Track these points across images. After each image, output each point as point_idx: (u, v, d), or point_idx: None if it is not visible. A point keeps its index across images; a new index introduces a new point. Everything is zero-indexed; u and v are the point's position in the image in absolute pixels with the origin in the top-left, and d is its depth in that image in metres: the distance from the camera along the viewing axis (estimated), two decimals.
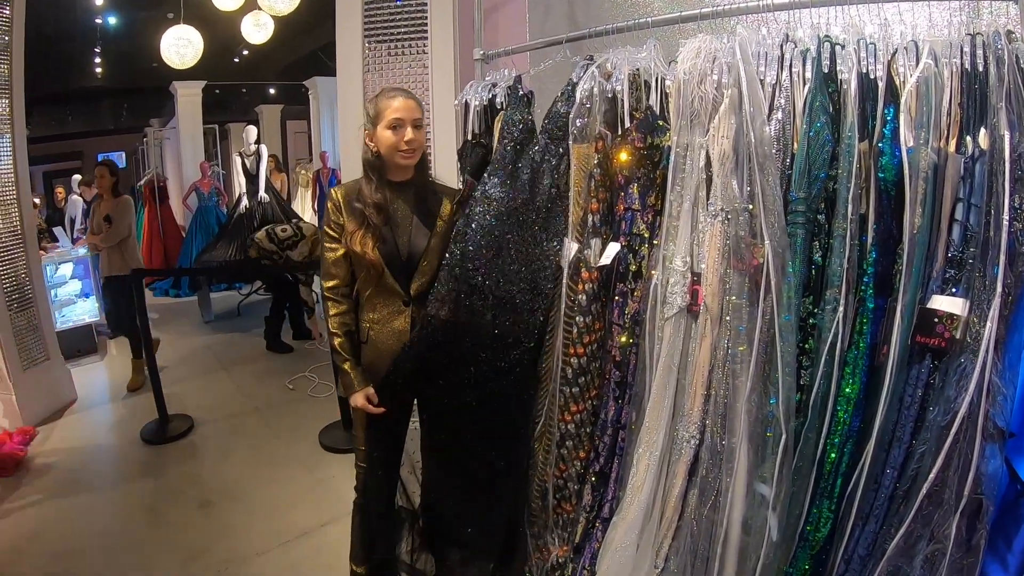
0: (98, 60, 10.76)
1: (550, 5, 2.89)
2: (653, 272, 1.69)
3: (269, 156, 7.28)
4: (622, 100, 1.73)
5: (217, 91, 10.99)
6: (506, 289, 1.88)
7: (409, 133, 1.89)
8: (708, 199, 1.62)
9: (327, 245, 1.95)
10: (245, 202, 6.69)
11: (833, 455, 1.61)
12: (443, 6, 2.96)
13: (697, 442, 1.73)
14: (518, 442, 1.99)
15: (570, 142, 1.85)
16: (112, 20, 8.94)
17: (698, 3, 2.41)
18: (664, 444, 1.77)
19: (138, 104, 13.33)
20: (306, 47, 10.03)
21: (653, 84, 1.76)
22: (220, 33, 6.57)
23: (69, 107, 13.90)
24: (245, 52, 9.93)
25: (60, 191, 9.53)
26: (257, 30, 5.93)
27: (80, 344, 5.49)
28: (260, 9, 5.57)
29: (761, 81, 1.57)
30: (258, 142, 6.97)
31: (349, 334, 1.98)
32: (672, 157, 1.64)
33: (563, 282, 1.87)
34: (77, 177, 9.00)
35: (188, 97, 9.90)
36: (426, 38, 3.00)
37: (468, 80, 3.08)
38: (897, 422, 1.55)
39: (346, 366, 1.95)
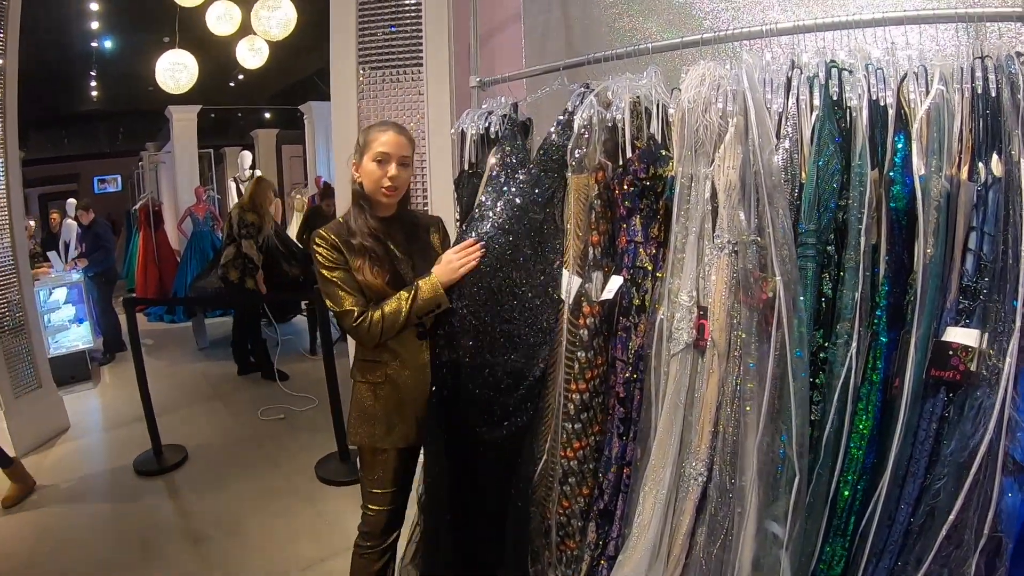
0: (94, 83, 10.78)
1: (547, 31, 2.87)
2: (659, 307, 1.64)
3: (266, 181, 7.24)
4: (623, 129, 1.69)
5: (213, 115, 11.01)
6: (504, 329, 1.84)
7: (392, 169, 1.86)
8: (714, 231, 1.57)
9: (330, 275, 1.84)
10: None
11: (847, 492, 1.55)
12: (438, 32, 2.92)
13: (705, 479, 1.68)
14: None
15: (568, 173, 1.80)
16: (108, 44, 8.95)
17: (696, 29, 2.38)
18: (671, 481, 1.71)
19: (134, 127, 13.36)
20: (301, 72, 10.07)
21: (655, 112, 1.72)
22: (215, 57, 6.56)
23: (65, 130, 13.89)
24: (240, 76, 9.95)
25: (55, 215, 9.46)
26: (252, 55, 5.92)
27: (73, 371, 5.43)
28: (255, 34, 5.56)
29: (767, 109, 1.53)
30: (253, 167, 6.95)
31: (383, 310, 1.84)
32: (677, 188, 1.59)
33: (564, 317, 1.81)
34: (72, 201, 8.94)
35: (183, 121, 9.91)
36: (421, 65, 2.96)
37: (464, 108, 3.03)
38: (911, 457, 1.50)
39: (410, 299, 1.84)
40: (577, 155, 1.73)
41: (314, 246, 1.86)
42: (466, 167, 2.31)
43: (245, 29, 5.56)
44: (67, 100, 11.50)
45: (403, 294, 1.84)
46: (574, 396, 1.79)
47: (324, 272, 1.85)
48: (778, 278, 1.43)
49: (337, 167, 3.12)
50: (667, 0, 2.42)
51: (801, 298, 1.46)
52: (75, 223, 8.32)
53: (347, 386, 3.28)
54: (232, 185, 8.10)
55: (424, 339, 1.93)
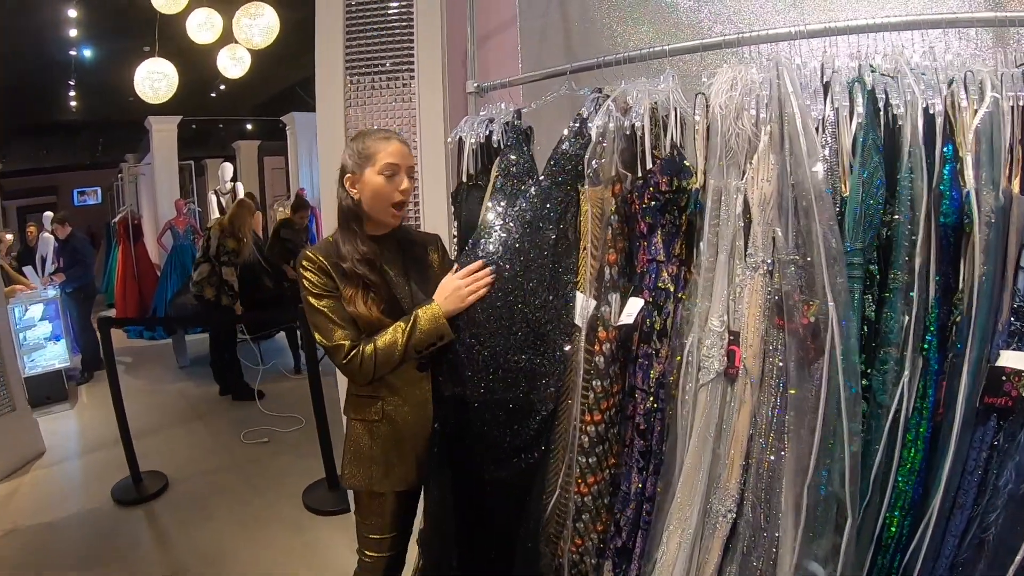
0: (73, 94, 10.52)
1: (545, 35, 2.74)
2: (684, 332, 1.51)
3: (246, 194, 7.05)
4: (641, 137, 1.55)
5: (193, 126, 10.78)
6: (514, 359, 1.68)
7: (405, 182, 1.68)
8: (746, 250, 1.44)
9: (318, 304, 1.64)
10: None
11: (893, 529, 1.44)
12: (431, 37, 2.78)
13: (734, 516, 1.55)
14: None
15: (582, 186, 1.67)
16: (87, 53, 8.71)
17: (706, 33, 2.27)
18: (698, 520, 1.57)
19: (114, 139, 13.09)
20: (283, 82, 9.87)
21: (673, 119, 1.60)
22: (196, 67, 6.38)
23: (44, 141, 13.59)
24: (222, 87, 9.74)
25: (31, 229, 9.19)
26: (234, 64, 5.77)
27: (49, 391, 5.22)
28: (237, 43, 5.41)
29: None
30: (234, 179, 6.78)
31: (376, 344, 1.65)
32: (707, 202, 1.46)
33: (579, 343, 1.67)
34: (49, 214, 8.71)
35: (163, 132, 9.69)
36: (413, 70, 2.81)
37: (458, 115, 2.89)
38: (959, 488, 1.39)
39: (407, 331, 1.65)
40: (594, 165, 1.59)
41: (301, 270, 1.66)
42: (464, 179, 2.17)
43: (227, 38, 5.41)
44: (46, 110, 11.21)
45: (400, 325, 1.66)
46: (589, 428, 1.65)
47: (311, 300, 1.64)
48: (830, 303, 1.30)
49: (323, 180, 2.95)
50: (672, 4, 2.31)
51: (850, 323, 1.32)
52: (52, 237, 8.12)
53: (334, 406, 3.16)
54: (213, 198, 7.91)
55: (425, 371, 1.77)
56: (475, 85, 2.39)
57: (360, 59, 2.85)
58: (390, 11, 2.78)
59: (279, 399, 5.07)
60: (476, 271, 1.70)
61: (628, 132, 1.60)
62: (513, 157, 1.81)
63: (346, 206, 1.70)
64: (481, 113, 2.20)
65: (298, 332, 5.31)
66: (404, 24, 2.80)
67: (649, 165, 1.53)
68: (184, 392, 5.53)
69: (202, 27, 5.17)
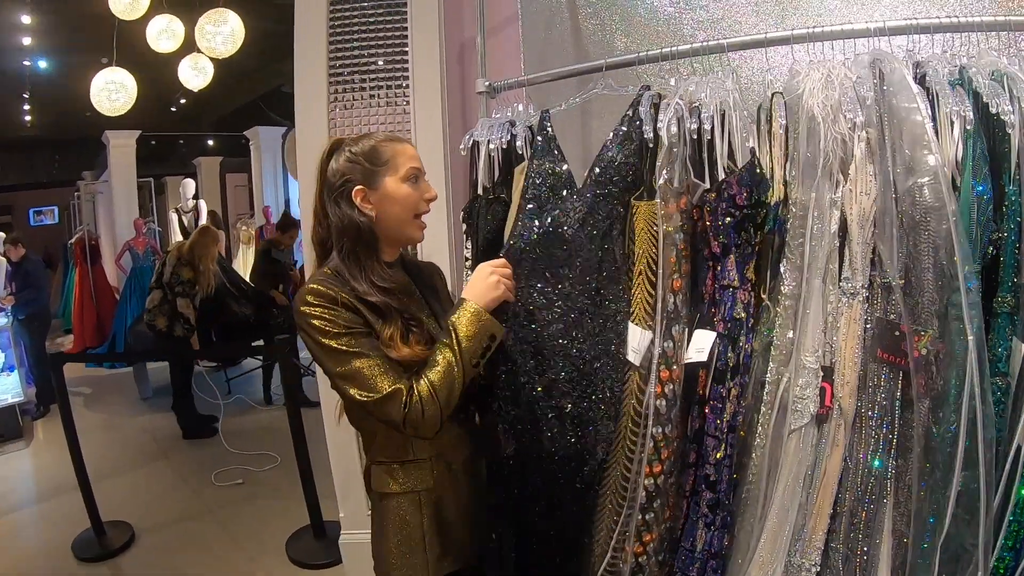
0: (27, 107, 10.00)
1: (550, 28, 2.47)
2: (765, 371, 1.29)
3: (208, 212, 6.73)
4: (710, 142, 1.34)
5: (153, 142, 10.32)
6: (558, 404, 1.45)
7: (431, 187, 1.43)
8: (841, 273, 1.23)
9: (347, 346, 1.26)
10: None
11: (1002, 569, 1.26)
12: (427, 28, 2.52)
13: (818, 571, 1.37)
14: None
15: (637, 198, 1.43)
16: (42, 64, 8.24)
17: (729, 31, 2.09)
18: None
19: (71, 155, 12.54)
20: (247, 95, 9.53)
21: (735, 122, 1.39)
22: (156, 78, 6.04)
23: None
24: (183, 100, 9.34)
25: None
26: (195, 74, 5.43)
27: (2, 428, 4.86)
28: (199, 52, 5.08)
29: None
30: (196, 197, 6.43)
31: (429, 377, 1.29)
32: (788, 218, 1.26)
33: (632, 383, 1.43)
34: (1, 235, 8.21)
35: (121, 147, 9.22)
36: (407, 74, 2.56)
37: (457, 120, 2.66)
38: None
39: (453, 344, 1.30)
40: (666, 175, 1.34)
41: (309, 308, 1.28)
42: (480, 191, 1.92)
43: (189, 46, 5.07)
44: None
45: (440, 347, 1.31)
46: (647, 481, 1.42)
47: (331, 343, 1.26)
48: (971, 337, 1.09)
49: (302, 203, 2.66)
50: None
51: (983, 357, 1.13)
52: (3, 260, 7.65)
53: (316, 441, 2.86)
54: (174, 216, 7.52)
55: (466, 424, 1.50)
56: (487, 84, 2.07)
57: (346, 55, 2.58)
58: (380, 5, 2.53)
59: (247, 435, 4.69)
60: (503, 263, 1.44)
61: (694, 136, 1.38)
62: (547, 165, 1.55)
63: (356, 227, 1.36)
64: (495, 115, 1.96)
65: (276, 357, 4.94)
66: (396, 15, 2.55)
67: (721, 175, 1.31)
68: (147, 427, 5.14)
69: (163, 35, 4.82)
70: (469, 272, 1.92)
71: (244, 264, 8.52)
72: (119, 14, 4.55)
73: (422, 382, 1.27)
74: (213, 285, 4.95)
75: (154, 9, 4.79)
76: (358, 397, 1.25)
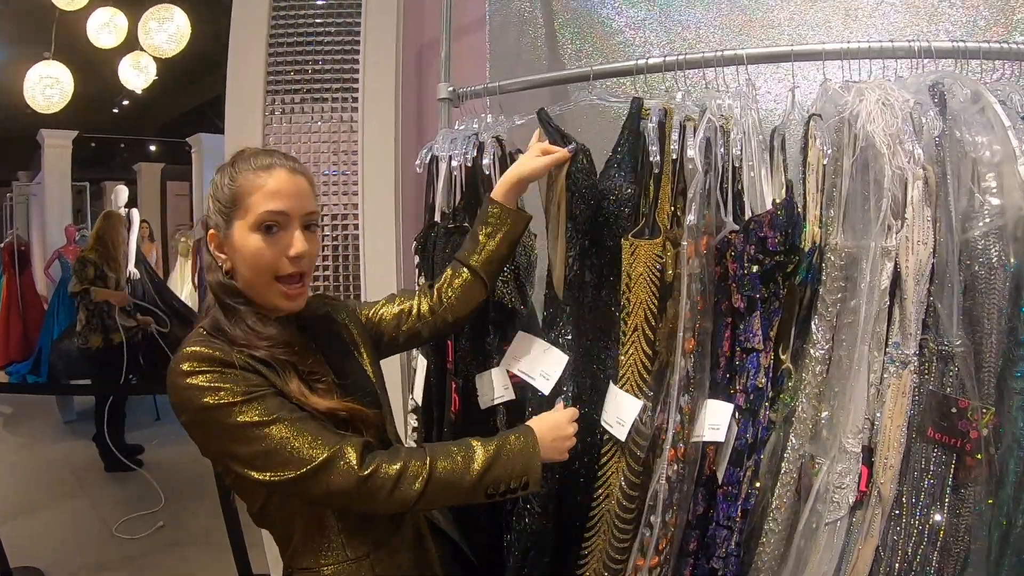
0: None
1: (522, 33, 2.22)
2: (805, 451, 1.05)
3: (141, 222, 6.29)
4: (737, 169, 1.09)
5: (92, 144, 9.78)
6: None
7: (298, 242, 1.06)
8: (888, 337, 1.00)
9: (258, 414, 0.96)
10: None
11: None
12: (383, 35, 2.24)
13: None
14: None
15: (638, 237, 1.17)
16: None
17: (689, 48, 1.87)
18: None
19: (6, 154, 11.82)
20: (192, 100, 9.10)
21: (755, 147, 1.16)
22: (97, 76, 5.67)
23: None
24: (124, 102, 8.88)
25: None
26: (137, 73, 5.11)
27: None
28: (142, 50, 4.79)
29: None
30: (129, 205, 6.01)
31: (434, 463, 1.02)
32: (825, 268, 1.02)
33: (616, 461, 1.18)
34: None
35: (56, 148, 8.63)
36: (357, 76, 2.25)
37: (411, 135, 2.36)
38: None
39: (488, 454, 1.04)
40: (696, 211, 1.06)
41: (192, 379, 0.96)
42: (437, 218, 1.62)
43: (131, 45, 4.80)
44: None
45: (467, 444, 1.05)
46: None
47: (236, 418, 0.95)
48: None
49: None
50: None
51: None
52: None
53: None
54: None
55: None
56: (450, 89, 1.78)
57: (288, 51, 2.27)
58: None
59: (175, 468, 4.17)
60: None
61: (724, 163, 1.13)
62: (587, 181, 1.23)
63: (219, 282, 1.07)
64: (458, 127, 1.67)
65: None
66: (349, 7, 2.26)
67: (748, 212, 1.08)
68: (68, 456, 4.66)
69: (104, 28, 4.57)
70: None
71: (181, 277, 8.05)
72: (59, 4, 4.35)
73: (418, 459, 1.00)
74: (143, 286, 4.59)
75: (97, 1, 4.56)
76: (285, 476, 0.95)
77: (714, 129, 1.10)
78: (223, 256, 1.07)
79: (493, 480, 1.03)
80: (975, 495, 1.00)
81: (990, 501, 1.02)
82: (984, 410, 0.97)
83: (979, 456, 0.97)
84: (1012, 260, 0.99)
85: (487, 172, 1.51)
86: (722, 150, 1.11)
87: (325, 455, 0.96)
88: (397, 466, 0.98)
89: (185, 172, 10.29)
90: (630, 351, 1.16)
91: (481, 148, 1.53)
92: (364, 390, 1.15)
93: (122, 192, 6.03)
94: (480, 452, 1.03)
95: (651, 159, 1.13)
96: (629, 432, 1.15)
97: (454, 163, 1.56)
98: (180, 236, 8.51)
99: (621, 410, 1.16)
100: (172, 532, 3.47)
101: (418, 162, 1.69)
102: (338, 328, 1.23)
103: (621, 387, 1.17)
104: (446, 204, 1.62)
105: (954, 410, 0.98)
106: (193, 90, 8.36)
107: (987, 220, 0.98)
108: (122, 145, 10.93)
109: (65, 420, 5.39)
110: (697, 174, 1.05)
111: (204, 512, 3.54)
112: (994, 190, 0.99)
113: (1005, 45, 1.10)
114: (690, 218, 1.06)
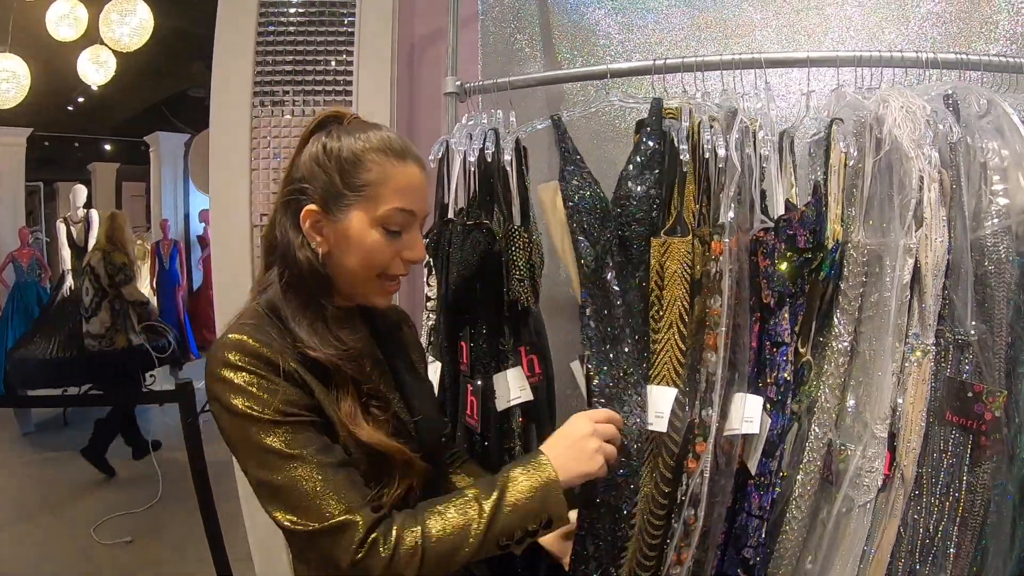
0: None
1: (518, 29, 2.20)
2: (829, 439, 1.12)
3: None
4: (765, 169, 1.15)
5: (46, 143, 9.44)
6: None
7: (419, 247, 0.98)
8: (908, 329, 1.07)
9: (282, 444, 0.85)
10: (70, 281, 5.43)
11: None
12: (380, 26, 2.20)
13: None
14: None
15: (669, 235, 1.22)
16: None
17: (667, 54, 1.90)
18: None
19: None
20: (150, 97, 8.88)
21: (777, 146, 1.21)
22: (54, 72, 5.49)
23: None
24: (80, 99, 8.60)
25: None
26: (96, 68, 4.96)
27: None
28: (103, 44, 4.64)
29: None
30: (87, 206, 5.82)
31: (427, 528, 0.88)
32: (846, 264, 1.09)
33: (654, 457, 1.22)
34: None
35: (9, 147, 8.34)
36: (351, 69, 2.23)
37: (403, 133, 2.32)
38: None
39: (492, 511, 0.89)
40: (734, 209, 1.11)
41: (231, 373, 0.87)
42: (451, 213, 1.56)
43: (91, 39, 4.66)
44: None
45: (468, 498, 0.90)
46: (674, 571, 1.21)
47: (261, 438, 0.86)
48: None
49: (214, 226, 2.28)
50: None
51: None
52: None
53: (222, 484, 2.33)
54: (62, 227, 6.81)
55: None
56: (458, 84, 1.73)
57: (278, 43, 2.22)
58: None
59: (147, 476, 4.01)
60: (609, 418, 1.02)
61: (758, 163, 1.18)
62: (575, 183, 1.28)
63: (295, 258, 0.95)
64: (467, 121, 1.61)
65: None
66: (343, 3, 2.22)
67: (780, 210, 1.13)
68: (28, 469, 4.47)
69: (64, 20, 4.40)
70: (431, 315, 1.60)
71: (137, 281, 7.86)
72: None
73: (412, 529, 0.86)
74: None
75: None
76: (286, 523, 0.85)
77: (744, 128, 1.15)
78: (319, 239, 0.95)
79: (502, 530, 0.89)
80: (990, 472, 1.08)
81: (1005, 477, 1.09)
82: (998, 393, 1.05)
83: (996, 436, 1.05)
84: (1016, 258, 1.08)
85: (506, 169, 1.48)
86: (749, 150, 1.16)
87: (334, 520, 0.84)
88: (387, 541, 0.85)
89: (142, 172, 10.03)
90: (664, 347, 1.21)
91: (499, 144, 1.50)
92: (432, 424, 1.07)
93: (80, 192, 5.84)
94: (479, 506, 0.89)
95: (682, 157, 1.17)
96: (668, 422, 1.19)
97: (471, 159, 1.51)
98: (136, 239, 8.27)
99: (658, 403, 1.20)
100: (140, 547, 3.34)
101: (431, 156, 1.60)
102: (404, 332, 1.18)
103: (656, 383, 1.22)
104: (461, 198, 1.58)
105: (970, 394, 1.07)
106: (152, 87, 8.17)
107: (995, 220, 1.08)
108: (77, 144, 10.55)
109: (23, 433, 5.20)
110: (736, 172, 1.10)
111: (179, 521, 3.45)
112: (1001, 192, 1.08)
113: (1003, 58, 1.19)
114: (729, 215, 1.11)
